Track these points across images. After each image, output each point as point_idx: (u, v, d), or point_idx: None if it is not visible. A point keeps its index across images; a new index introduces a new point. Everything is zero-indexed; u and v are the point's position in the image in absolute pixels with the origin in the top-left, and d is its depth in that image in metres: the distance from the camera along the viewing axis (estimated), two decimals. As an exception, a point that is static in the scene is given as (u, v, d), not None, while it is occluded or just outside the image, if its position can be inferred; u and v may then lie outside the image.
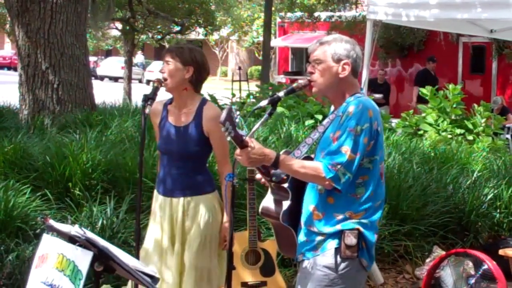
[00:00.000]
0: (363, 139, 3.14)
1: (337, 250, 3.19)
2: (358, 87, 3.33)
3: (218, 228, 4.11)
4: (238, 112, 3.06)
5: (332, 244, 3.21)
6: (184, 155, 4.02)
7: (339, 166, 3.11)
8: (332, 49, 3.25)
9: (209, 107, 4.06)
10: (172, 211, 4.04)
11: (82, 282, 2.75)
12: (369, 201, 3.22)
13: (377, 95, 15.65)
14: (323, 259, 3.22)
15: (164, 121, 4.09)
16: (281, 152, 3.31)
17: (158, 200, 4.12)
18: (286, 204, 3.31)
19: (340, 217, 3.20)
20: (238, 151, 3.12)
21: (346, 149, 3.12)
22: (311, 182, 3.27)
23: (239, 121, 3.08)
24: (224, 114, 3.01)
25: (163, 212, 4.07)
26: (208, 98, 10.67)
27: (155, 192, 4.18)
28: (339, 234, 3.19)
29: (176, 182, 4.02)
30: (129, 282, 4.09)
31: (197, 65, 4.00)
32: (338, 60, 3.25)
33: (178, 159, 4.02)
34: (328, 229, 3.21)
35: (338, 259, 3.19)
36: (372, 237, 3.24)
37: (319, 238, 3.23)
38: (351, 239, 3.17)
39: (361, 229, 3.19)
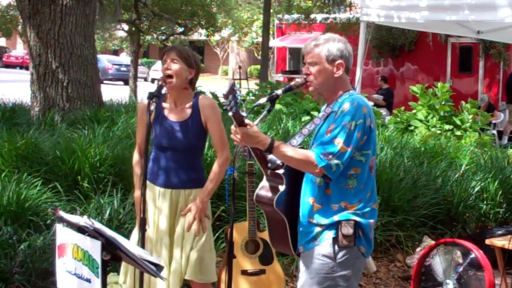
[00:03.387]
0: (357, 133, 3.13)
1: (335, 240, 3.18)
2: (349, 84, 3.34)
3: (210, 221, 4.12)
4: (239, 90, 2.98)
5: (329, 234, 3.19)
6: (187, 148, 4.00)
7: (330, 156, 3.10)
8: (326, 50, 3.24)
9: (203, 98, 4.10)
10: (172, 202, 4.01)
11: (99, 271, 2.75)
12: (362, 192, 3.22)
13: (376, 96, 15.62)
14: (321, 249, 3.21)
15: (160, 119, 4.06)
16: None
17: (153, 191, 4.02)
18: (280, 189, 3.25)
19: (336, 207, 3.19)
20: (233, 126, 3.08)
21: (339, 141, 3.12)
22: (303, 170, 3.24)
23: (240, 102, 3.01)
24: (227, 88, 2.93)
25: (160, 203, 4.02)
26: (209, 95, 10.71)
27: (147, 183, 3.93)
28: (336, 225, 3.18)
29: (177, 175, 4.00)
30: (121, 273, 4.08)
31: (198, 68, 4.08)
32: (332, 61, 3.24)
33: (181, 152, 4.00)
34: (325, 221, 3.19)
35: (336, 248, 3.18)
36: (368, 223, 3.22)
37: (317, 229, 3.22)
38: (347, 229, 3.16)
39: (358, 219, 3.18)
